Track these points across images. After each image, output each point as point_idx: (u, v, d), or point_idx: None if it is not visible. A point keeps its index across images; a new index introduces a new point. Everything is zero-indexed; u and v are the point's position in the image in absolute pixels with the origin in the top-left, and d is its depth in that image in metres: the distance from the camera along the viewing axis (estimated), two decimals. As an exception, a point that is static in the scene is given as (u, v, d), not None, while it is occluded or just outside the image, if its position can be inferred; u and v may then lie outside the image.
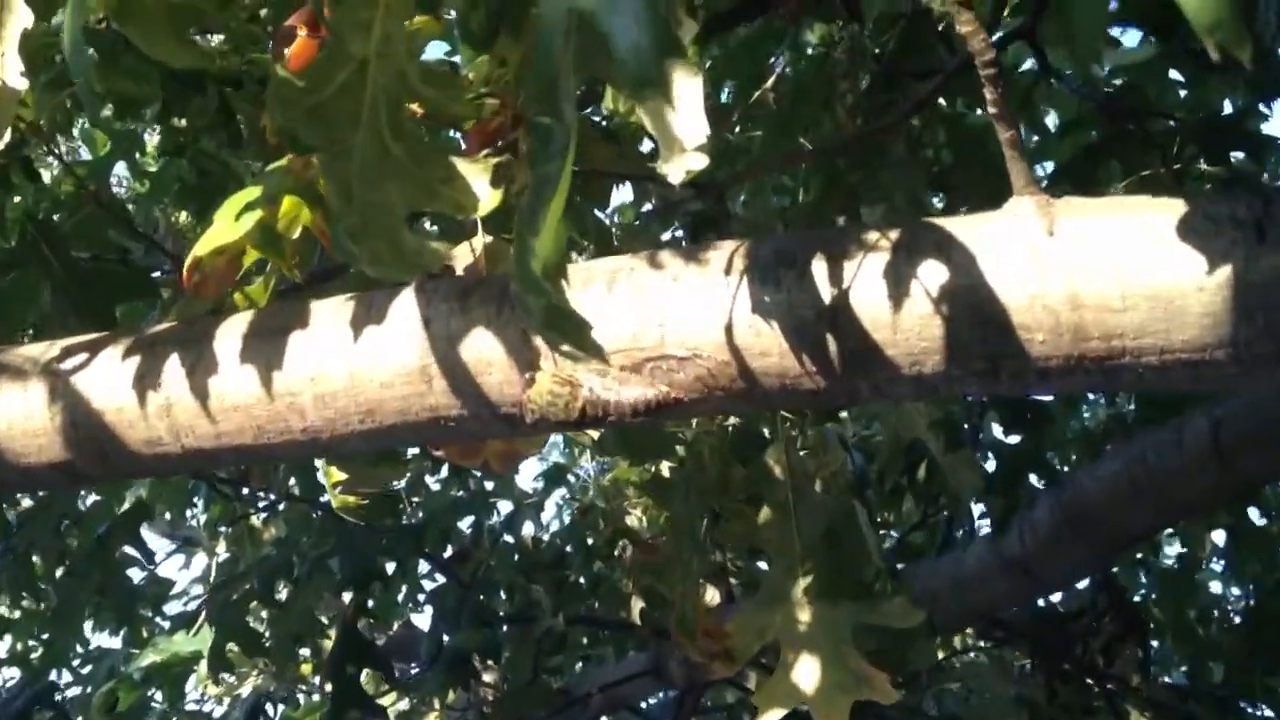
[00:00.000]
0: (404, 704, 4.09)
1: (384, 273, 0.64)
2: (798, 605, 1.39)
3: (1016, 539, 1.78)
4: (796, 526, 1.46)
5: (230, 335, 1.00)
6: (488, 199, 0.67)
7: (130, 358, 1.00)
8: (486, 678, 2.95)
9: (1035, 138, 2.98)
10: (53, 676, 3.08)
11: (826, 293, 0.85)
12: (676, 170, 0.76)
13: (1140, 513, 1.67)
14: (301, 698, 3.71)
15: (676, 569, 1.47)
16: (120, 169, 3.13)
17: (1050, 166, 2.64)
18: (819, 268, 0.85)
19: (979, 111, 2.08)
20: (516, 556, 2.97)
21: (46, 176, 3.13)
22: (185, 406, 0.98)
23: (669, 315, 0.89)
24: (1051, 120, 2.64)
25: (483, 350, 0.92)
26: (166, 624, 3.49)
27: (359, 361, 0.95)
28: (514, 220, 0.63)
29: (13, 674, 3.68)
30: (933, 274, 0.82)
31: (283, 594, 2.63)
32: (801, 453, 1.52)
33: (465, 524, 3.06)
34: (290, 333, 0.98)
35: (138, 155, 2.80)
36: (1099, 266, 0.79)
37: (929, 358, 0.83)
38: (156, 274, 2.04)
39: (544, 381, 0.88)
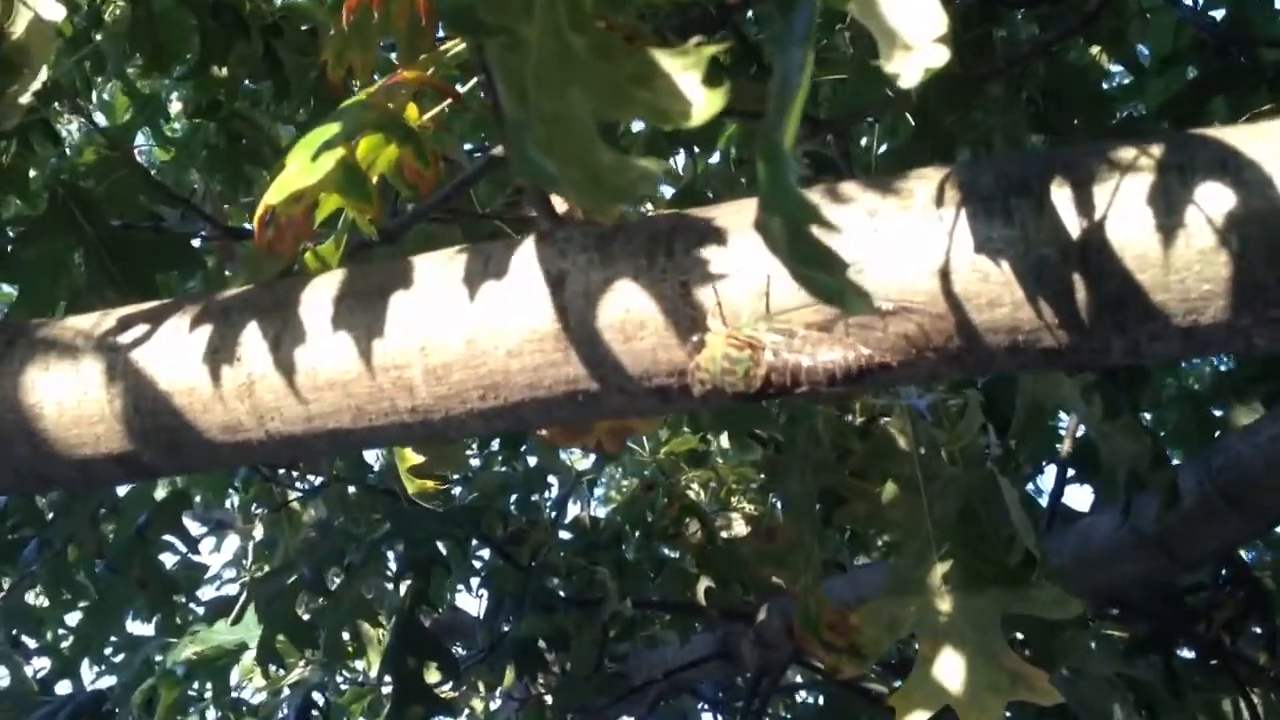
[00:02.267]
0: (446, 686, 3.96)
1: (580, 199, 0.48)
2: (935, 594, 1.23)
3: (1154, 514, 1.61)
4: (927, 505, 1.30)
5: (319, 299, 0.83)
6: (702, 104, 0.50)
7: (201, 329, 0.84)
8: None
9: (1116, 79, 2.81)
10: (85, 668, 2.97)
11: (1075, 225, 0.68)
12: (911, 70, 0.59)
13: (1312, 478, 1.51)
14: (344, 684, 3.59)
15: (799, 557, 1.31)
16: (140, 140, 2.98)
17: (1135, 112, 2.49)
18: (1062, 194, 0.69)
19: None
20: (571, 536, 2.82)
21: (65, 149, 2.98)
22: (270, 384, 0.82)
23: (866, 260, 0.72)
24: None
25: (632, 309, 0.76)
26: (200, 609, 3.37)
27: (479, 327, 0.79)
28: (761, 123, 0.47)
29: (43, 664, 3.55)
30: (1216, 198, 0.65)
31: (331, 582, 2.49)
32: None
33: (515, 504, 2.92)
34: (392, 294, 0.82)
35: (161, 121, 2.65)
36: None
37: (1210, 304, 0.66)
38: (194, 241, 1.88)
39: (717, 345, 0.72)
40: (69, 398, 0.86)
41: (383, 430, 0.83)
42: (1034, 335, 0.70)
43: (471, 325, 0.79)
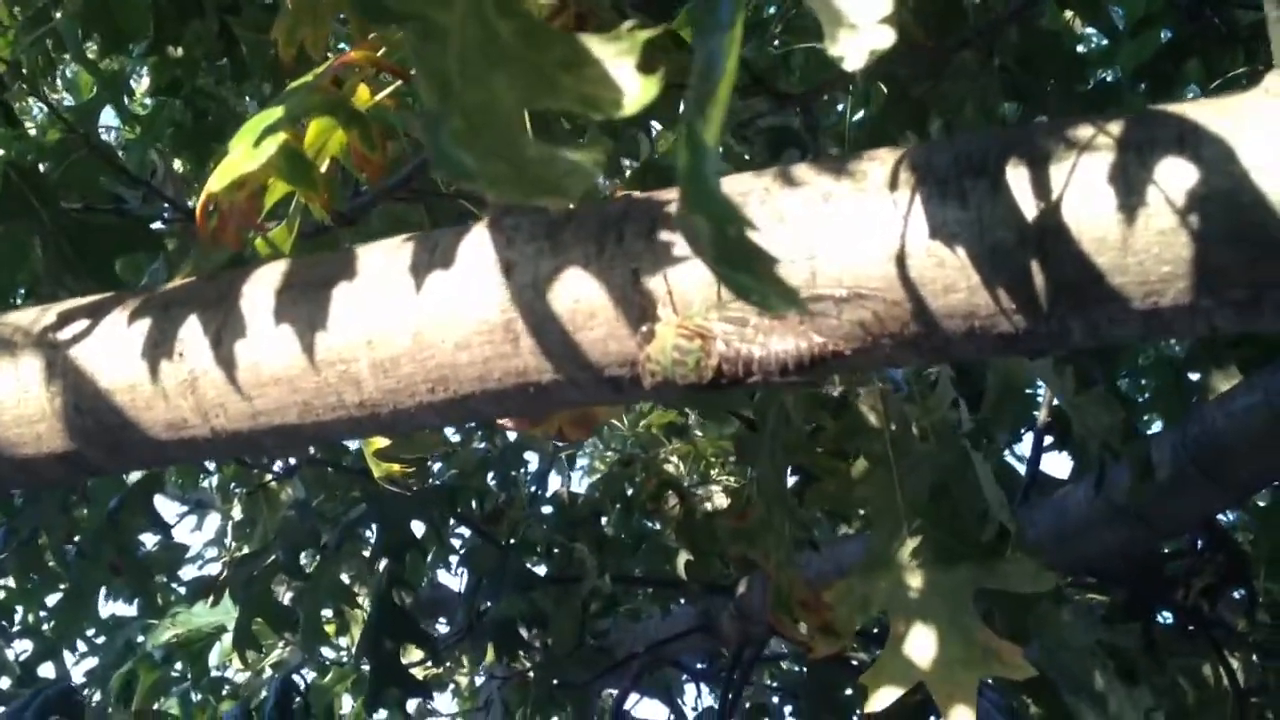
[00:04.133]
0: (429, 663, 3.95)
1: (504, 195, 0.46)
2: (906, 570, 1.22)
3: (1129, 483, 1.60)
4: (899, 482, 1.29)
5: (261, 291, 0.81)
6: (635, 92, 0.48)
7: (141, 323, 0.82)
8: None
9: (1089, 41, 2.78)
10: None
11: (1031, 208, 0.66)
12: (855, 51, 0.57)
13: (1288, 448, 1.50)
14: (328, 662, 3.58)
15: (769, 536, 1.30)
16: (107, 117, 2.93)
17: (1108, 77, 2.47)
18: (1018, 175, 0.67)
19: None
20: (550, 511, 2.81)
21: (30, 128, 2.93)
22: (213, 380, 0.80)
23: (820, 245, 0.70)
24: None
25: (582, 299, 0.74)
26: (181, 589, 3.35)
27: (426, 318, 0.77)
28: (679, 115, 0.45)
29: (25, 646, 3.54)
30: (1176, 176, 0.63)
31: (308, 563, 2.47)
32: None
33: (494, 480, 2.90)
34: (336, 286, 0.79)
35: (126, 99, 2.61)
36: (1406, 157, 0.60)
37: (1170, 286, 0.64)
38: (156, 224, 1.85)
39: (667, 335, 0.70)
40: (8, 396, 0.84)
41: (331, 425, 0.81)
42: (991, 320, 0.68)
43: (418, 317, 0.77)
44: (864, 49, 0.57)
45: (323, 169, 0.99)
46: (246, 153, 0.81)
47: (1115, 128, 0.66)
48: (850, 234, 0.69)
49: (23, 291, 1.63)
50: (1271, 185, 0.61)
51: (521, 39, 0.48)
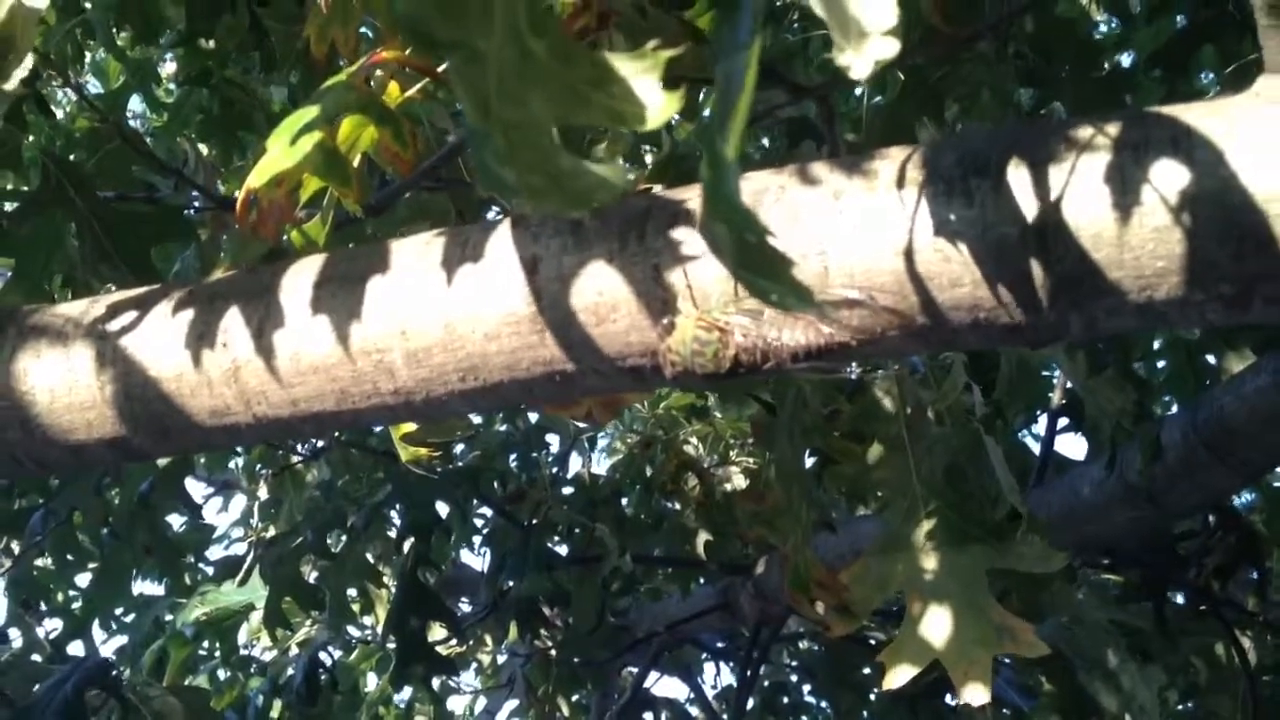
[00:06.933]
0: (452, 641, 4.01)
1: (542, 206, 0.50)
2: (922, 552, 1.25)
3: (1141, 465, 1.63)
4: (914, 465, 1.32)
5: (301, 285, 0.85)
6: (659, 106, 0.52)
7: (188, 315, 0.86)
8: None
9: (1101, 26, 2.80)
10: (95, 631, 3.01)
11: (1031, 205, 0.69)
12: (862, 62, 0.61)
13: (1297, 430, 1.53)
14: (354, 641, 3.63)
15: (787, 518, 1.34)
16: (134, 105, 2.97)
17: (1124, 62, 2.48)
18: (1019, 174, 0.70)
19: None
20: (572, 492, 2.85)
21: (58, 114, 2.98)
22: (255, 370, 0.84)
23: (832, 241, 0.74)
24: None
25: (605, 292, 0.78)
26: (209, 569, 3.41)
27: (457, 310, 0.81)
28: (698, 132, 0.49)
29: (55, 624, 3.61)
30: (1170, 176, 0.67)
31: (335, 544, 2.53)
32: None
33: (516, 462, 2.94)
34: (372, 279, 0.83)
35: (154, 86, 2.65)
36: (1388, 159, 0.63)
37: (1164, 281, 0.68)
38: (187, 212, 1.89)
39: (687, 327, 0.74)
40: (60, 384, 0.88)
41: (367, 412, 0.85)
42: (994, 313, 0.72)
43: (450, 309, 0.81)
44: (870, 59, 0.60)
45: (355, 164, 1.03)
46: (284, 151, 0.85)
47: (1113, 129, 0.69)
48: (860, 230, 0.73)
49: (59, 280, 1.67)
50: (1259, 186, 0.65)
51: (554, 57, 0.52)
